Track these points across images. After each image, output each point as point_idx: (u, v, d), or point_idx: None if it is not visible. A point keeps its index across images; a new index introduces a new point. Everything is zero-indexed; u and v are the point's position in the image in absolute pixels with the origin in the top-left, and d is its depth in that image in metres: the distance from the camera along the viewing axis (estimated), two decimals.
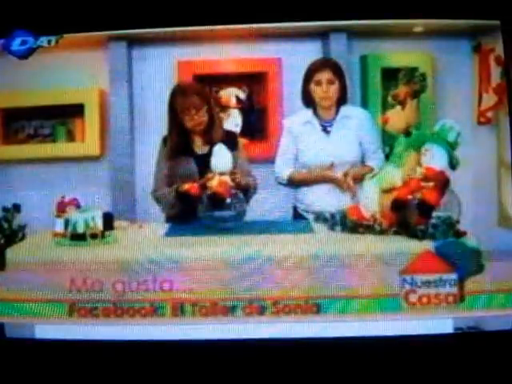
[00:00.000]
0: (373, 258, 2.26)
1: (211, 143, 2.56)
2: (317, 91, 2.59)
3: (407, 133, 2.44)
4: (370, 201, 2.41)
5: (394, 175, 2.39)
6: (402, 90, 2.48)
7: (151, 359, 2.36)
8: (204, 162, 2.53)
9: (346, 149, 2.59)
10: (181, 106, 2.52)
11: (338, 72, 2.59)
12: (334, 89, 2.58)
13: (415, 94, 2.46)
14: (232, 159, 2.46)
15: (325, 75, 2.57)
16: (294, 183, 2.66)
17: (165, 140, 2.62)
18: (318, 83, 2.58)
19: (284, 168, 2.65)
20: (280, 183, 2.67)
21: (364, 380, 2.33)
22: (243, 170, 2.55)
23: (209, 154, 2.54)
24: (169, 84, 2.81)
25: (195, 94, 2.54)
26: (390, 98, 2.49)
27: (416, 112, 2.47)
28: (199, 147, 2.60)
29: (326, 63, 2.62)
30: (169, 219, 2.63)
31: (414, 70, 2.60)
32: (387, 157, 2.57)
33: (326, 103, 2.59)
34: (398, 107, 2.46)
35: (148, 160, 2.79)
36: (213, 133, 2.57)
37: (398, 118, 2.46)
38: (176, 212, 2.55)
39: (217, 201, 2.40)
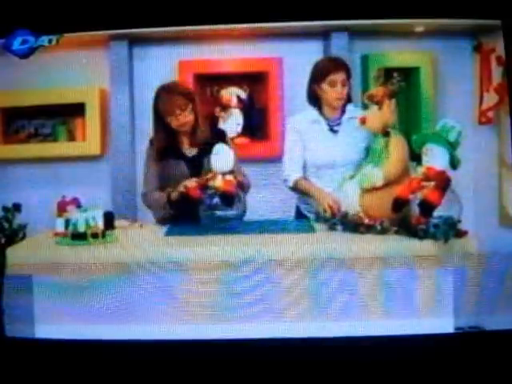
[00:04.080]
0: (373, 257, 2.25)
1: (198, 144, 2.55)
2: (330, 92, 2.55)
3: (385, 132, 2.44)
4: (351, 201, 2.42)
5: (374, 175, 2.40)
6: (378, 90, 2.47)
7: (151, 359, 2.36)
8: (194, 165, 2.53)
9: (353, 149, 2.58)
10: (165, 106, 2.48)
11: (349, 74, 2.57)
12: (347, 90, 2.57)
13: (392, 95, 2.45)
14: (233, 158, 2.45)
15: (340, 76, 2.54)
16: (297, 191, 2.65)
17: (152, 142, 2.58)
18: (333, 84, 2.54)
19: (292, 172, 2.61)
20: (287, 187, 2.65)
21: (364, 380, 2.32)
22: (238, 170, 2.52)
23: (198, 156, 2.54)
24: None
25: (180, 93, 2.49)
26: (364, 99, 2.49)
27: (394, 112, 2.46)
28: (187, 149, 2.57)
29: (340, 65, 2.57)
30: (160, 221, 2.60)
31: (390, 70, 2.60)
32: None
33: (339, 104, 2.58)
34: (375, 107, 2.44)
35: None
36: (198, 133, 2.54)
37: (375, 118, 2.44)
38: (170, 215, 2.51)
39: (226, 199, 2.38)
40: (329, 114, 2.61)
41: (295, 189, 2.64)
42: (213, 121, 2.93)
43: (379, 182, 2.38)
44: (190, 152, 2.56)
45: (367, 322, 2.29)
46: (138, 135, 2.92)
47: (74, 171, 2.79)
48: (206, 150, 2.52)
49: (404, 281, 2.29)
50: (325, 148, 2.57)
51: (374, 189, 2.39)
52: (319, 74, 2.57)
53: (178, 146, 2.56)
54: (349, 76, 2.57)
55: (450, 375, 2.29)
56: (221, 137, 2.59)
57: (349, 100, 2.62)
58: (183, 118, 2.49)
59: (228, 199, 2.38)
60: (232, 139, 2.55)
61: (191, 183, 2.41)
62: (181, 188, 2.43)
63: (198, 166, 2.52)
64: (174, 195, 2.46)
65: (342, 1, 2.52)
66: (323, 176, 2.58)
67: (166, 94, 2.49)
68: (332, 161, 2.56)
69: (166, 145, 2.53)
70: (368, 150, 2.55)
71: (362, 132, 2.54)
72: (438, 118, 2.68)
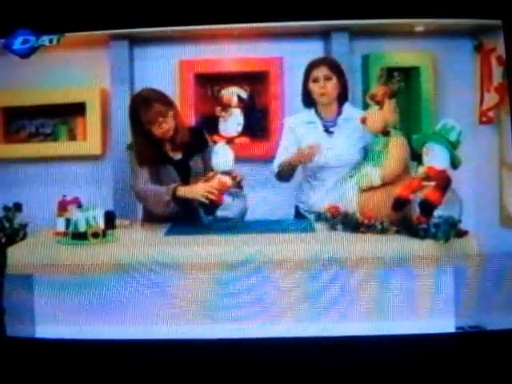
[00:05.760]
0: (374, 257, 2.25)
1: (181, 147, 2.54)
2: (315, 88, 2.57)
3: (386, 132, 2.44)
4: (349, 200, 2.42)
5: (372, 174, 2.40)
6: (379, 89, 2.48)
7: (151, 359, 2.36)
8: (182, 168, 2.53)
9: (349, 150, 2.57)
10: (148, 115, 2.44)
11: (334, 68, 2.58)
12: (331, 85, 2.57)
13: (393, 94, 2.46)
14: (233, 158, 2.45)
15: (321, 71, 2.56)
16: (284, 175, 2.63)
17: (130, 147, 2.55)
18: (316, 80, 2.57)
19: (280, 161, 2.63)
20: (278, 180, 2.64)
21: (365, 380, 2.32)
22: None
23: (184, 159, 2.54)
24: (170, 83, 2.83)
25: (158, 101, 2.46)
26: (367, 98, 2.49)
27: (395, 112, 2.46)
28: (172, 153, 2.56)
29: (322, 60, 2.62)
30: (150, 219, 2.59)
31: (392, 70, 2.61)
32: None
33: (325, 99, 2.58)
34: (376, 107, 2.45)
35: None
36: (179, 137, 2.52)
37: (375, 117, 2.45)
38: (170, 212, 2.46)
39: (208, 206, 2.39)
40: (324, 114, 2.62)
41: (281, 174, 2.61)
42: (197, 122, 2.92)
43: (377, 182, 2.38)
44: (176, 156, 2.56)
45: (367, 322, 2.29)
46: None
47: (74, 171, 2.78)
48: (190, 152, 2.55)
49: (404, 280, 2.29)
50: (320, 149, 2.57)
51: (373, 188, 2.39)
52: (305, 73, 2.60)
53: (162, 152, 2.54)
54: (336, 71, 2.57)
55: (451, 375, 2.29)
56: (200, 136, 2.60)
57: (345, 99, 2.63)
58: (166, 125, 2.46)
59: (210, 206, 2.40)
60: (231, 139, 2.54)
61: (215, 189, 2.38)
62: (205, 193, 2.37)
63: (187, 168, 2.54)
64: (182, 193, 2.41)
65: (342, 1, 2.53)
66: (321, 177, 2.58)
67: (146, 102, 2.45)
68: (327, 162, 2.56)
69: (149, 152, 2.49)
70: (366, 150, 2.56)
71: (358, 133, 2.54)
72: (438, 118, 2.68)
